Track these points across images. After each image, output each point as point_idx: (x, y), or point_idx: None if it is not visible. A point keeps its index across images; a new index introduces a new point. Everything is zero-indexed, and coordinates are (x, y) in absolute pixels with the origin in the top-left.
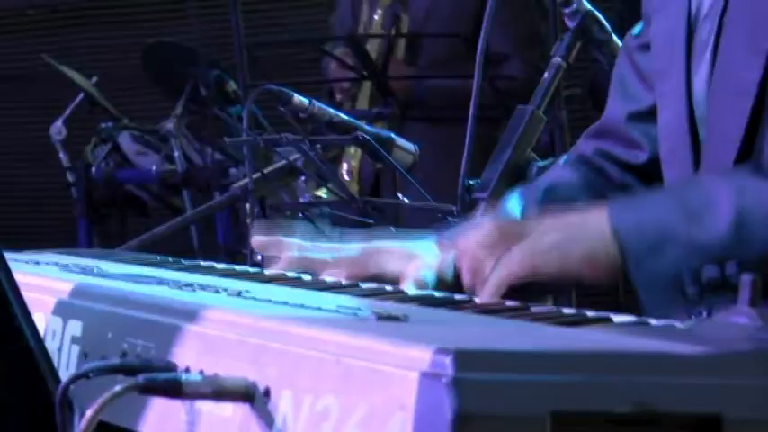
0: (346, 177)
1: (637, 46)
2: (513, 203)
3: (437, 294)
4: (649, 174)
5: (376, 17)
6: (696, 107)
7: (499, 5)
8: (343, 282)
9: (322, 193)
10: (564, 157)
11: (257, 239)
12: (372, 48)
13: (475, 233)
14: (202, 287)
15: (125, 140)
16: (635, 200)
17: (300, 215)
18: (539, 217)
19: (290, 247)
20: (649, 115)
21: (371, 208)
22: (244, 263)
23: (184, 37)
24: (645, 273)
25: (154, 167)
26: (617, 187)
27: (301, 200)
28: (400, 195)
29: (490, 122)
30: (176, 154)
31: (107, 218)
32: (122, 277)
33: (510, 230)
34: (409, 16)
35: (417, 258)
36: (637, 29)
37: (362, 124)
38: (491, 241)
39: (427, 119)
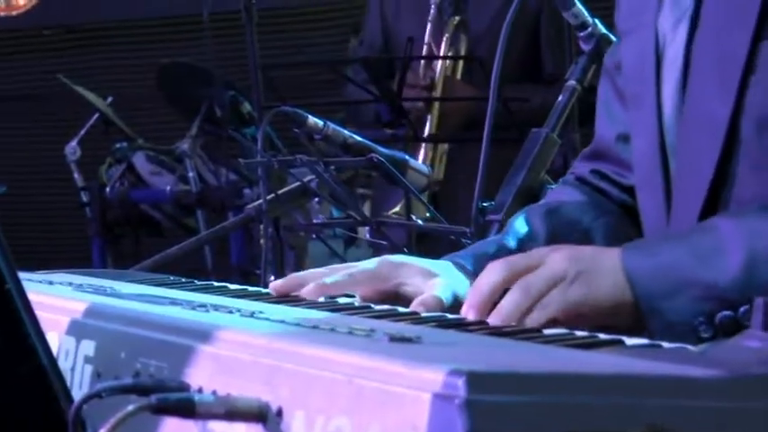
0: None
1: (614, 66)
2: (520, 224)
3: (450, 316)
4: None
5: (445, 39)
6: (666, 135)
7: (551, 26)
8: (356, 303)
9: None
10: (562, 179)
11: (274, 285)
12: (429, 72)
13: (488, 275)
14: (215, 308)
15: (139, 160)
16: (647, 244)
17: (314, 236)
18: (548, 250)
19: (307, 279)
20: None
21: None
22: (257, 283)
23: (199, 57)
24: (659, 317)
25: (168, 188)
26: (617, 206)
27: (315, 221)
28: (414, 217)
29: (505, 144)
30: (191, 174)
31: (121, 238)
32: (136, 297)
33: (521, 267)
34: (469, 37)
35: (436, 276)
36: (613, 48)
37: (377, 146)
38: (503, 281)
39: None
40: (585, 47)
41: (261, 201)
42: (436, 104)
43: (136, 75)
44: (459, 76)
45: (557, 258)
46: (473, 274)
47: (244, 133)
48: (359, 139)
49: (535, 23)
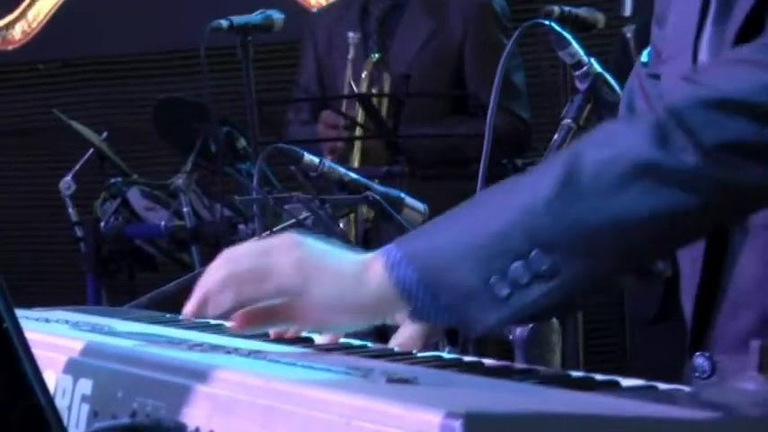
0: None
1: (646, 75)
2: None
3: (446, 356)
4: None
5: (363, 77)
6: None
7: (477, 60)
8: (353, 343)
9: None
10: None
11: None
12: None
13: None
14: (212, 347)
15: (134, 196)
16: (416, 232)
17: None
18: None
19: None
20: None
21: None
22: None
23: (195, 93)
24: (445, 297)
25: (163, 223)
26: None
27: None
28: None
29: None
30: (185, 209)
31: (116, 273)
32: (133, 336)
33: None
34: (390, 75)
35: None
36: (645, 56)
37: (373, 183)
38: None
39: (434, 177)
40: (581, 86)
41: (256, 238)
42: (358, 143)
43: (131, 110)
44: (384, 112)
45: (287, 271)
46: None
47: (239, 169)
48: (354, 176)
49: (459, 56)
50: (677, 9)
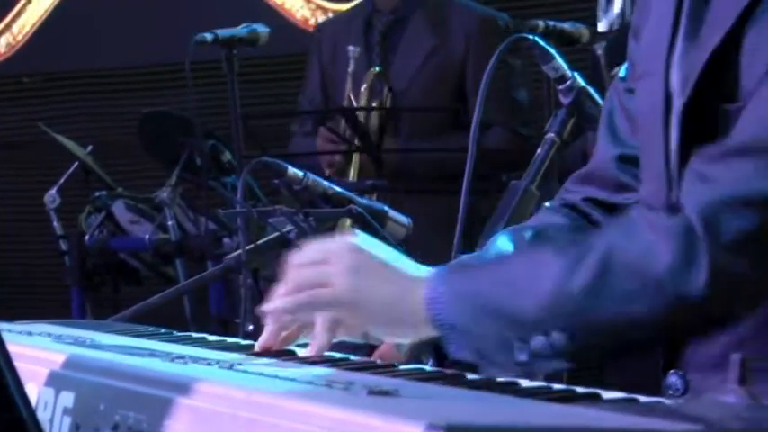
0: None
1: (624, 90)
2: (503, 242)
3: (428, 368)
4: None
5: (363, 90)
6: (673, 187)
7: (478, 76)
8: (335, 356)
9: None
10: (548, 204)
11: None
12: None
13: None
14: (194, 360)
15: (119, 209)
16: (461, 268)
17: None
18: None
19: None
20: (638, 161)
21: None
22: (236, 333)
23: (180, 106)
24: (471, 343)
25: (147, 236)
26: None
27: None
28: None
29: (481, 194)
30: (170, 223)
31: (100, 286)
32: (115, 349)
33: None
34: (391, 89)
35: None
36: (623, 71)
37: (357, 197)
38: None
39: (416, 191)
40: (565, 100)
41: (240, 251)
42: (356, 157)
43: (116, 123)
44: (384, 127)
45: (340, 284)
46: None
47: (224, 182)
48: (339, 189)
49: (461, 71)
50: (651, 23)
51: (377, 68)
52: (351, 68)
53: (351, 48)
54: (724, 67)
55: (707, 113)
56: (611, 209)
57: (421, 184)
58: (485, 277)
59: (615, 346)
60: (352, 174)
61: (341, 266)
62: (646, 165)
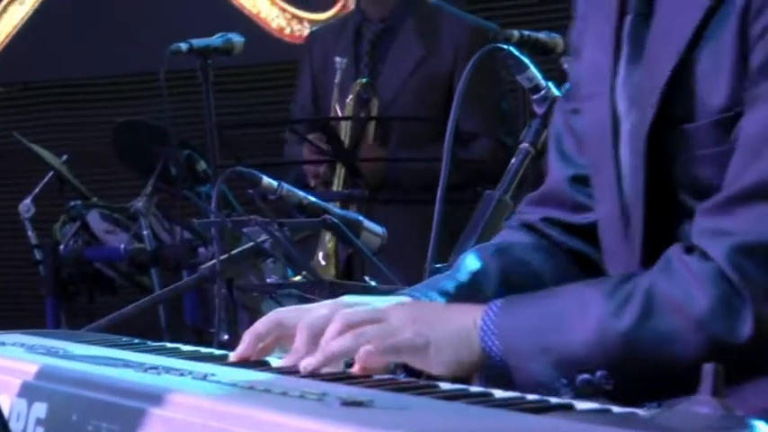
0: (322, 262)
1: (569, 110)
2: (472, 260)
3: (402, 378)
4: (597, 234)
5: (348, 100)
6: (626, 203)
7: (469, 87)
8: None
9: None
10: (507, 223)
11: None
12: (344, 132)
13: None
14: (167, 370)
15: (94, 219)
16: (511, 305)
17: (268, 296)
18: (401, 305)
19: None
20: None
21: (339, 290)
22: (210, 342)
23: (155, 116)
24: (522, 375)
25: (122, 246)
26: (564, 252)
27: (269, 281)
28: (367, 278)
29: (460, 204)
30: (145, 232)
31: (75, 296)
32: (88, 359)
33: (357, 321)
34: (378, 99)
35: None
36: (565, 92)
37: (331, 207)
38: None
39: (397, 200)
40: (539, 110)
41: (214, 261)
42: (340, 168)
43: (91, 133)
44: (371, 138)
45: (399, 316)
46: None
47: (199, 192)
48: (313, 199)
49: (449, 81)
50: (590, 43)
51: (364, 79)
52: (337, 79)
53: (338, 59)
54: (677, 89)
55: (664, 134)
56: (570, 228)
57: (403, 194)
58: (535, 310)
59: (657, 387)
60: (336, 184)
61: (402, 317)
62: (598, 185)
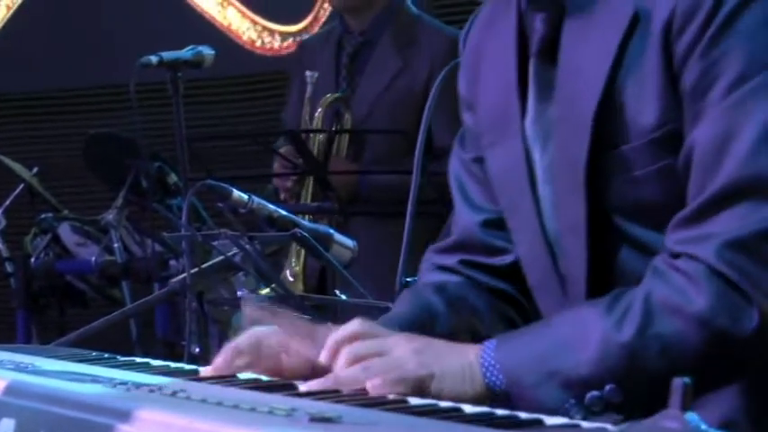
0: (290, 279)
1: (470, 159)
2: (416, 297)
3: (372, 394)
4: (519, 273)
5: (317, 114)
6: (550, 238)
7: (441, 100)
8: (279, 381)
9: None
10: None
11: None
12: (314, 145)
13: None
14: (137, 386)
15: (65, 231)
16: (506, 341)
17: (239, 310)
18: (405, 338)
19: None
20: (504, 223)
21: (309, 304)
22: (181, 355)
23: (126, 128)
24: (529, 403)
25: (93, 258)
26: (488, 291)
27: (239, 294)
28: (338, 292)
29: (432, 218)
30: (116, 245)
31: (46, 308)
32: (57, 375)
33: (362, 354)
34: (352, 113)
35: None
36: (457, 141)
37: (302, 220)
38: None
39: (369, 214)
40: None
41: (185, 274)
42: (310, 182)
43: (62, 145)
44: (343, 152)
45: (402, 349)
46: None
47: (169, 205)
48: (284, 213)
49: (425, 94)
50: (487, 94)
51: (338, 94)
52: (308, 93)
53: (308, 73)
54: (607, 116)
55: (599, 161)
56: (490, 270)
57: (374, 208)
58: (534, 340)
59: (667, 394)
60: (304, 197)
61: (406, 350)
62: (516, 226)
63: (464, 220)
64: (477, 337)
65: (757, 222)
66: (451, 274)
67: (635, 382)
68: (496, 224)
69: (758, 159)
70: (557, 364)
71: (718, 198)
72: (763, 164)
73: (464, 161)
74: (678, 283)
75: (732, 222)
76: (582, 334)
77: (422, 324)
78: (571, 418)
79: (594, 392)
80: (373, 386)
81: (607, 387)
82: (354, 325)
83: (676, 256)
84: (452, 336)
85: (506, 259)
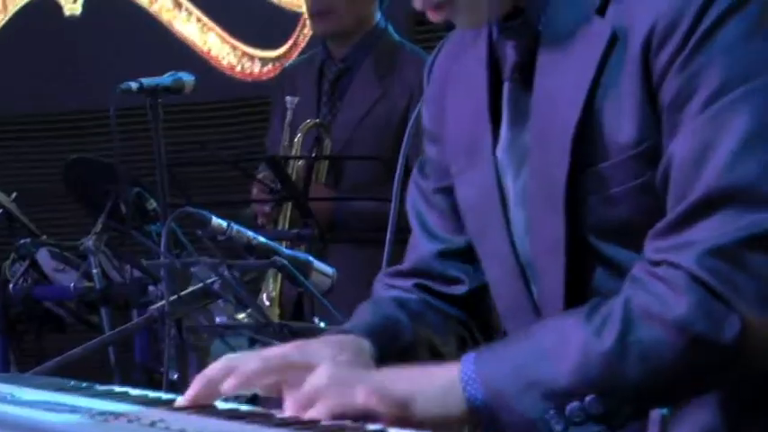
0: (266, 303)
1: (432, 190)
2: (366, 311)
3: (349, 424)
4: (472, 303)
5: (296, 140)
6: (523, 262)
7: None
8: (258, 411)
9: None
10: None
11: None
12: (293, 170)
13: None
14: (116, 416)
15: (43, 257)
16: (485, 353)
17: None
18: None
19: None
20: (462, 254)
21: (288, 332)
22: (160, 381)
23: (106, 153)
24: (511, 415)
25: (72, 284)
26: (445, 317)
27: (217, 320)
28: (316, 319)
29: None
30: (95, 271)
31: (24, 334)
32: (35, 405)
33: (346, 381)
34: (332, 140)
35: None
36: (421, 168)
37: (281, 247)
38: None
39: (347, 241)
40: None
41: (164, 302)
42: (287, 208)
43: (40, 170)
44: (323, 178)
45: (383, 373)
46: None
47: (148, 231)
48: (263, 240)
49: (404, 122)
50: (455, 123)
51: (316, 120)
52: (288, 119)
53: (288, 98)
54: (586, 138)
55: (577, 179)
56: (444, 297)
57: (353, 234)
58: (514, 351)
59: (647, 403)
60: (282, 223)
61: (386, 374)
62: (486, 251)
63: (421, 248)
64: (435, 354)
65: (739, 230)
66: (407, 293)
67: (615, 391)
68: (453, 255)
69: (738, 168)
70: (537, 375)
71: (698, 207)
72: (742, 172)
73: (424, 190)
74: (658, 290)
75: (713, 230)
76: (562, 343)
77: (388, 331)
78: (552, 428)
79: (575, 403)
80: (356, 397)
81: (587, 398)
82: (324, 371)
83: (656, 264)
84: (414, 346)
85: (461, 289)
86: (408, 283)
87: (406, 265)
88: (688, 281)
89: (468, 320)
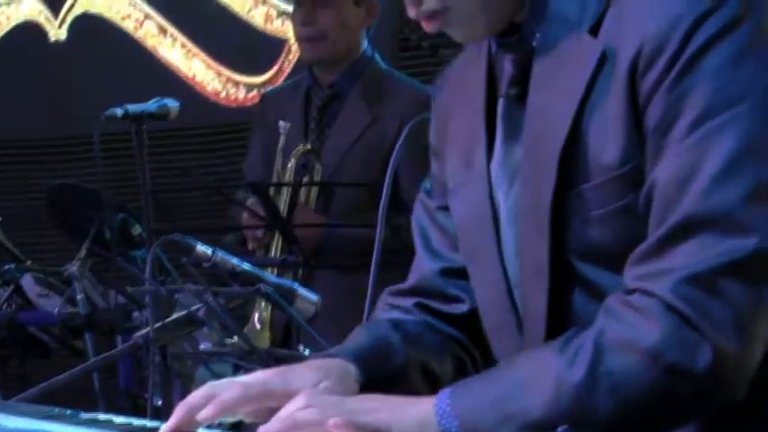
0: (257, 326)
1: (435, 207)
2: (361, 333)
3: None
4: (472, 323)
5: (290, 166)
6: (512, 282)
7: (408, 154)
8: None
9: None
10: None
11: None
12: (282, 197)
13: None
14: None
15: (27, 282)
16: (461, 387)
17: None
18: (361, 396)
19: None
20: (464, 273)
21: (273, 359)
22: (144, 407)
23: (90, 179)
24: None
25: (56, 310)
26: (441, 333)
27: (202, 347)
28: (302, 346)
29: (396, 269)
30: (79, 296)
31: (8, 360)
32: None
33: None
34: (322, 165)
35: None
36: (428, 186)
37: (266, 274)
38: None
39: (333, 267)
40: None
41: (148, 329)
42: (278, 234)
43: (24, 195)
44: (313, 203)
45: (359, 400)
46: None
47: (133, 257)
48: (247, 267)
49: (391, 151)
50: (455, 139)
51: (308, 145)
52: (281, 144)
53: (282, 123)
54: (571, 158)
55: (561, 200)
56: (444, 316)
57: (339, 261)
58: (490, 384)
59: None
60: (274, 249)
61: (362, 401)
62: (476, 271)
63: (423, 266)
64: (429, 375)
65: (716, 257)
66: (407, 314)
67: (587, 422)
68: (455, 273)
69: (716, 193)
70: (512, 408)
71: (676, 231)
72: (720, 198)
73: (429, 209)
74: (630, 319)
75: (690, 256)
76: (537, 375)
77: (378, 355)
78: None
79: None
80: (331, 426)
81: (560, 429)
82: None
83: (631, 292)
84: (406, 369)
85: (462, 308)
86: (409, 302)
87: (408, 283)
88: (662, 309)
89: (467, 341)
